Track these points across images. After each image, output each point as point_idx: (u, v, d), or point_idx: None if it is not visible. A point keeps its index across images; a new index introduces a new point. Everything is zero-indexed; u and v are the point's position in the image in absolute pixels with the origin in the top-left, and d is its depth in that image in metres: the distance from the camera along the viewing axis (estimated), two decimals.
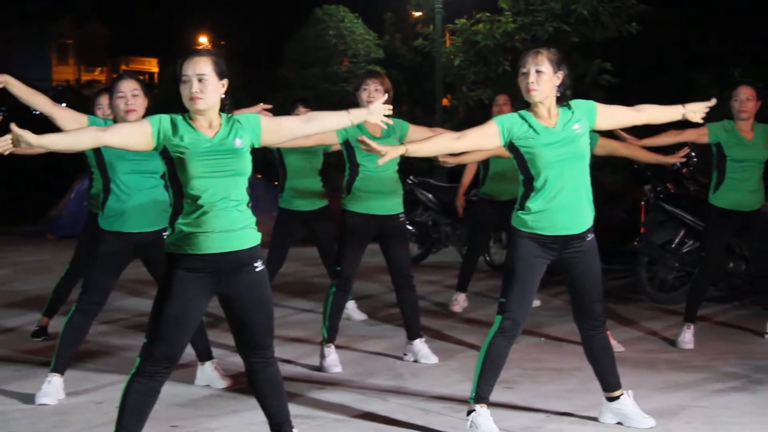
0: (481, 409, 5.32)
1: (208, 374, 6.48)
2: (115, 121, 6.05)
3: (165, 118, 4.55)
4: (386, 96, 5.49)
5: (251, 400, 5.18)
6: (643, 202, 9.83)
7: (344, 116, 4.81)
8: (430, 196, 12.27)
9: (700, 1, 21.54)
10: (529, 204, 5.28)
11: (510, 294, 5.33)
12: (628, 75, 18.37)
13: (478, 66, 17.99)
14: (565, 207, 5.24)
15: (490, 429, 5.28)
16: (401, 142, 6.88)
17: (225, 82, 4.59)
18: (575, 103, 5.33)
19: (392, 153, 5.06)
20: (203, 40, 52.39)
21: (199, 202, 4.47)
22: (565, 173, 5.22)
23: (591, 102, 5.37)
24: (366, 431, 5.56)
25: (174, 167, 4.50)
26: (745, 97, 7.42)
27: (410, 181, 12.20)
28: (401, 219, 7.04)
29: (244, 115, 4.69)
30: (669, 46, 21.65)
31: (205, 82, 4.51)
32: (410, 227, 11.82)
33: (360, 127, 6.82)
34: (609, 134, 7.62)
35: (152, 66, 63.46)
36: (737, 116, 7.45)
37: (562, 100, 5.28)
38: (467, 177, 9.43)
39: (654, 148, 7.47)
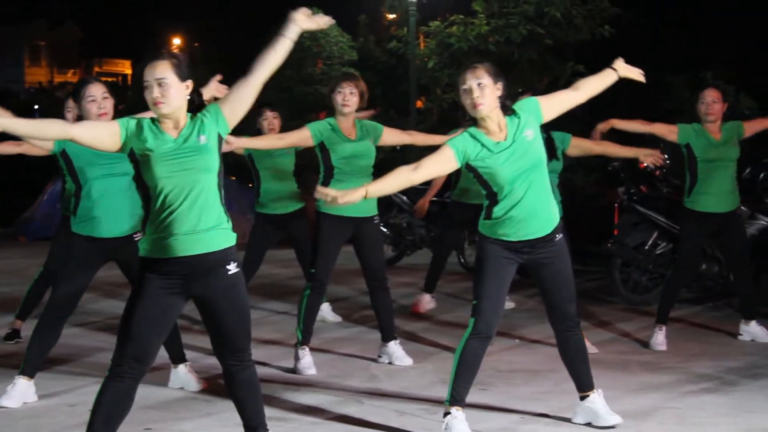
0: (457, 412, 5.33)
1: (181, 377, 6.45)
2: None
3: (132, 121, 4.53)
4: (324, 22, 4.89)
5: (225, 402, 5.16)
6: (616, 204, 9.87)
7: (283, 41, 4.57)
8: (404, 198, 12.25)
9: (673, 4, 21.65)
10: (493, 214, 5.28)
11: (481, 296, 5.34)
12: None
13: (452, 68, 18.02)
14: (529, 213, 5.24)
15: None
16: (376, 145, 6.91)
17: (189, 83, 4.55)
18: (518, 106, 5.31)
19: (350, 197, 4.98)
20: (177, 41, 52.28)
21: (166, 203, 4.44)
22: (526, 182, 5.22)
23: (532, 99, 5.37)
24: None
25: (140, 169, 4.49)
26: (711, 100, 7.45)
27: None
28: (376, 221, 7.04)
29: (205, 109, 4.60)
30: (642, 49, 21.75)
31: (166, 86, 4.47)
32: (385, 229, 11.81)
33: (335, 130, 6.83)
34: (581, 133, 7.67)
35: (125, 68, 63.22)
36: (704, 119, 7.47)
37: (507, 110, 5.28)
38: (439, 178, 9.39)
39: (626, 142, 7.51)
